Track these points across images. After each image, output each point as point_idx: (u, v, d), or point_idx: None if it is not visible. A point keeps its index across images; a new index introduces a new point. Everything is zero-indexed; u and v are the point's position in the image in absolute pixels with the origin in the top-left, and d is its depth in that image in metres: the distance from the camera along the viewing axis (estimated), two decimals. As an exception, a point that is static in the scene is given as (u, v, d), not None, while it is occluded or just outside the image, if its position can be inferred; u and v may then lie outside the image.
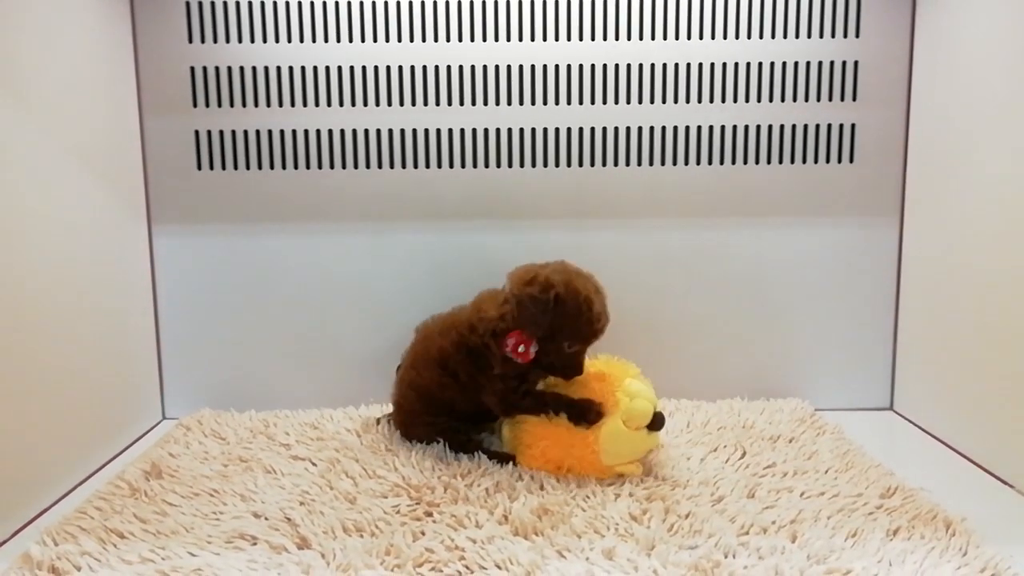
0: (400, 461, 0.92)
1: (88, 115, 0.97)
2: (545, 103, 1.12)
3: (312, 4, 1.09)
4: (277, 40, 1.09)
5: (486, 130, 1.12)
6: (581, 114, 1.12)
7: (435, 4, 1.09)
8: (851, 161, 1.13)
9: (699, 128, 1.13)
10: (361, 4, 1.09)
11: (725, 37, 1.10)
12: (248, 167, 1.12)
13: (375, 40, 1.10)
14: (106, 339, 1.00)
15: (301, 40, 1.09)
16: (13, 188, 0.81)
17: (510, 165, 1.13)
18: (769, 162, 1.13)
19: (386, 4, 1.09)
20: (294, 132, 1.12)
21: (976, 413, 0.97)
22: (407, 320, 1.09)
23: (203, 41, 1.09)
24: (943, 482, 0.88)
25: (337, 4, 1.09)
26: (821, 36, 1.11)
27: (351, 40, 1.10)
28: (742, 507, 0.81)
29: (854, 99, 1.12)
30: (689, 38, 1.10)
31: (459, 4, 1.09)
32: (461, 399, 0.96)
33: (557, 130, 1.12)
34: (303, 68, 1.10)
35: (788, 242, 1.15)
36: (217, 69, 1.10)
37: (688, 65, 1.11)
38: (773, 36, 1.10)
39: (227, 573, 0.69)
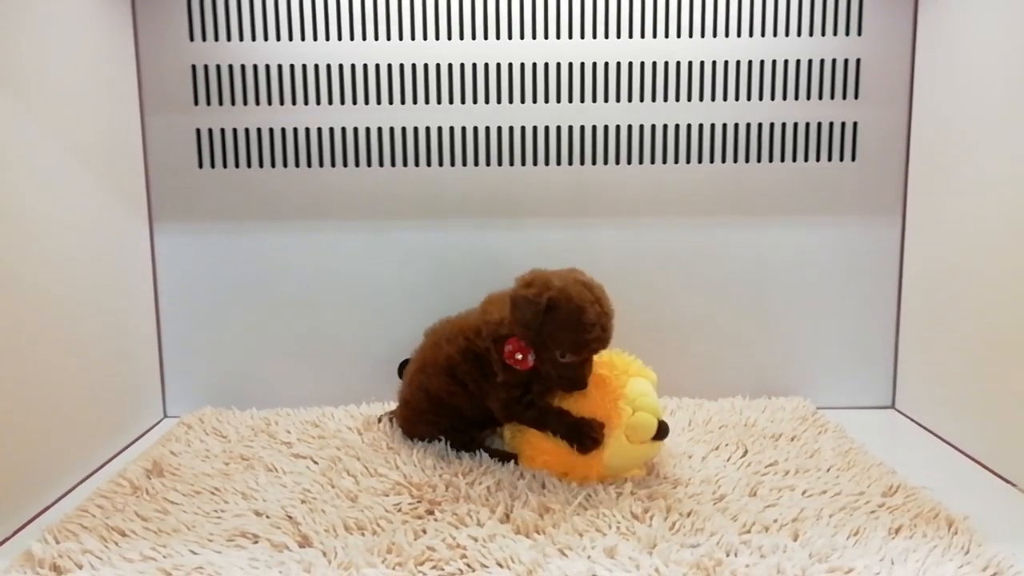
0: (401, 459, 0.92)
1: (89, 113, 0.97)
2: (547, 101, 1.12)
3: (313, 2, 1.09)
4: (278, 38, 1.09)
5: (487, 128, 1.12)
6: (582, 112, 1.12)
7: (436, 2, 1.09)
8: (853, 159, 1.13)
9: (700, 126, 1.12)
10: (362, 2, 1.09)
11: (727, 35, 1.10)
12: (249, 165, 1.12)
13: (376, 38, 1.10)
14: (107, 337, 1.00)
15: (302, 38, 1.09)
16: (14, 187, 0.81)
17: (511, 163, 1.13)
18: (771, 160, 1.13)
19: (387, 2, 1.09)
20: (295, 130, 1.12)
21: (978, 411, 0.97)
22: (409, 318, 1.09)
23: (204, 39, 1.09)
24: (945, 480, 0.88)
25: (338, 2, 1.09)
26: (823, 34, 1.10)
27: (352, 38, 1.10)
28: (744, 505, 0.81)
29: (856, 97, 1.12)
30: (690, 36, 1.10)
31: (460, 2, 1.09)
32: (470, 407, 0.95)
33: (558, 128, 1.12)
34: (304, 66, 1.10)
35: (790, 240, 1.15)
36: (218, 67, 1.10)
37: (689, 63, 1.11)
38: (775, 34, 1.10)
39: (228, 571, 0.69)
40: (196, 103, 1.11)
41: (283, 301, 1.15)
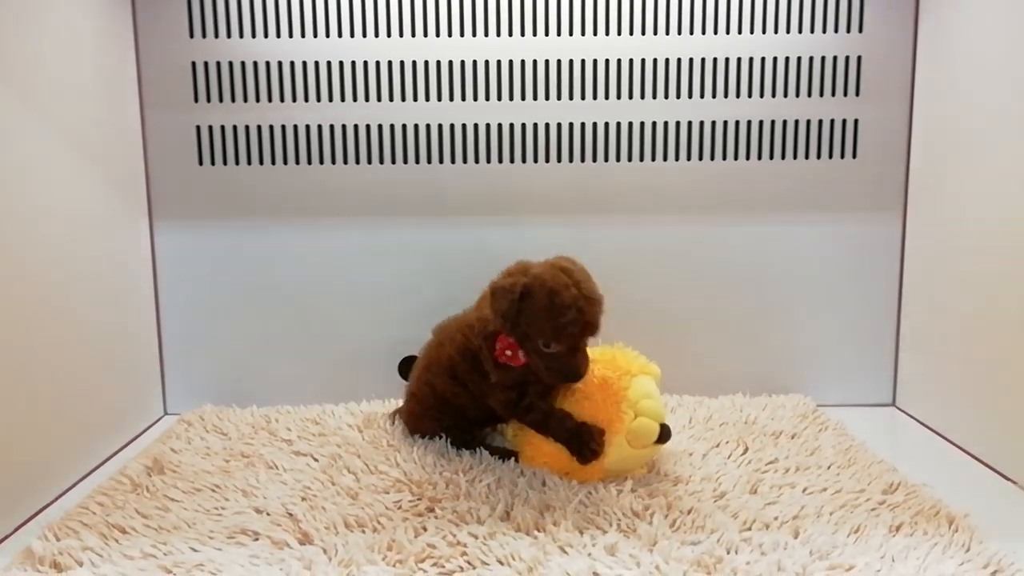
0: (402, 457, 0.92)
1: (89, 111, 0.97)
2: (547, 98, 1.11)
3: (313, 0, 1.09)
4: (278, 35, 1.09)
5: (488, 125, 1.12)
6: (583, 109, 1.12)
7: (436, 0, 1.09)
8: (854, 157, 1.13)
9: (701, 123, 1.12)
10: (363, 0, 1.09)
11: (728, 32, 1.10)
12: (250, 162, 1.12)
13: (376, 35, 1.10)
14: (107, 335, 1.00)
15: (302, 35, 1.09)
16: (14, 184, 0.81)
17: (511, 160, 1.13)
18: (772, 157, 1.13)
19: (387, 0, 1.09)
20: (295, 127, 1.11)
21: (979, 409, 0.97)
22: (408, 315, 1.09)
23: (204, 36, 1.09)
24: (946, 478, 0.88)
25: (339, 0, 1.09)
26: (824, 31, 1.10)
27: (352, 35, 1.09)
28: (744, 503, 0.81)
29: (857, 94, 1.12)
30: (691, 33, 1.10)
31: (460, 0, 1.09)
32: (473, 407, 0.95)
33: (559, 125, 1.12)
34: (304, 63, 1.10)
35: (790, 237, 1.15)
36: (218, 64, 1.10)
37: (691, 60, 1.11)
38: (776, 31, 1.10)
39: (229, 568, 0.69)
40: (196, 100, 1.10)
41: (284, 298, 1.15)
